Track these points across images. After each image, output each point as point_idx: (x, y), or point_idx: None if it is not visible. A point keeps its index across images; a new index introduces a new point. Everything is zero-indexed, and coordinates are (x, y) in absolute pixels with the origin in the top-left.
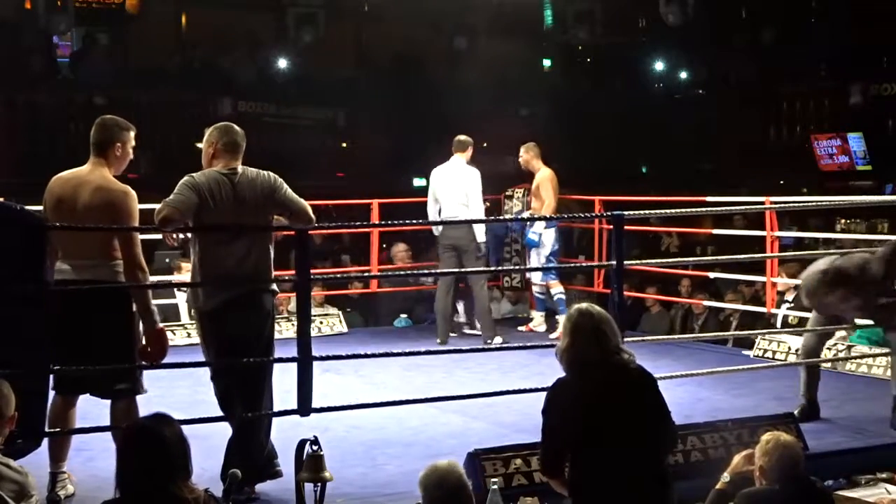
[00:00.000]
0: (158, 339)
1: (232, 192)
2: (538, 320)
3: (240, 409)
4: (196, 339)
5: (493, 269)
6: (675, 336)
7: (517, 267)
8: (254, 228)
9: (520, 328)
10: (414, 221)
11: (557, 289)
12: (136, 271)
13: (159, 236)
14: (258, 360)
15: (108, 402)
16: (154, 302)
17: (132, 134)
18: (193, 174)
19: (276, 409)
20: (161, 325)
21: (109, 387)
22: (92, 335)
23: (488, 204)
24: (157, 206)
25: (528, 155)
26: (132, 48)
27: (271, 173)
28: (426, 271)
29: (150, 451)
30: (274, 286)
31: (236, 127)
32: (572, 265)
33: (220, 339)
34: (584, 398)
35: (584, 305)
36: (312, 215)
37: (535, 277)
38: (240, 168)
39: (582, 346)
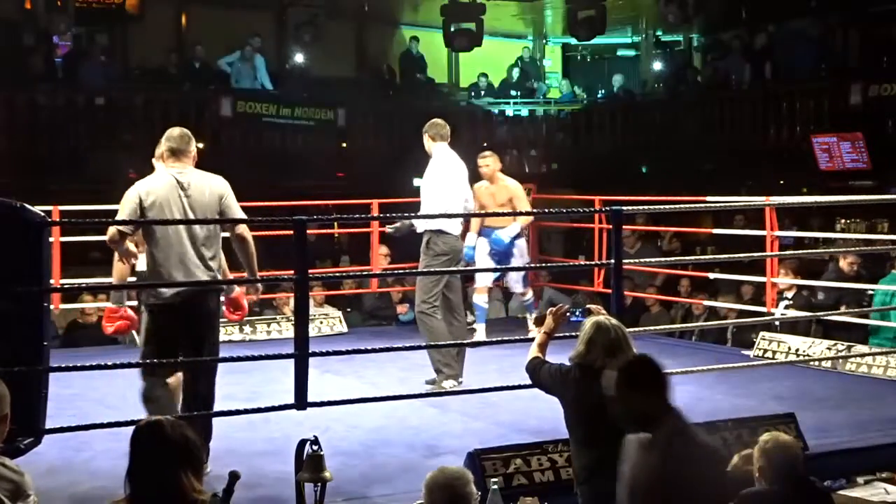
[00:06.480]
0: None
1: (183, 195)
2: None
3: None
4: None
5: (488, 268)
6: (677, 326)
7: (518, 266)
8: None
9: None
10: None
11: (527, 294)
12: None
13: None
14: (223, 357)
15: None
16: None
17: None
18: (140, 183)
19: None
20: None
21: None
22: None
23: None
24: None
25: (496, 165)
26: (132, 48)
27: (222, 179)
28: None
29: (162, 445)
30: (221, 287)
31: (179, 131)
32: (573, 265)
33: (165, 337)
34: (586, 400)
35: (602, 320)
36: (248, 235)
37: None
38: (191, 171)
39: (593, 358)
